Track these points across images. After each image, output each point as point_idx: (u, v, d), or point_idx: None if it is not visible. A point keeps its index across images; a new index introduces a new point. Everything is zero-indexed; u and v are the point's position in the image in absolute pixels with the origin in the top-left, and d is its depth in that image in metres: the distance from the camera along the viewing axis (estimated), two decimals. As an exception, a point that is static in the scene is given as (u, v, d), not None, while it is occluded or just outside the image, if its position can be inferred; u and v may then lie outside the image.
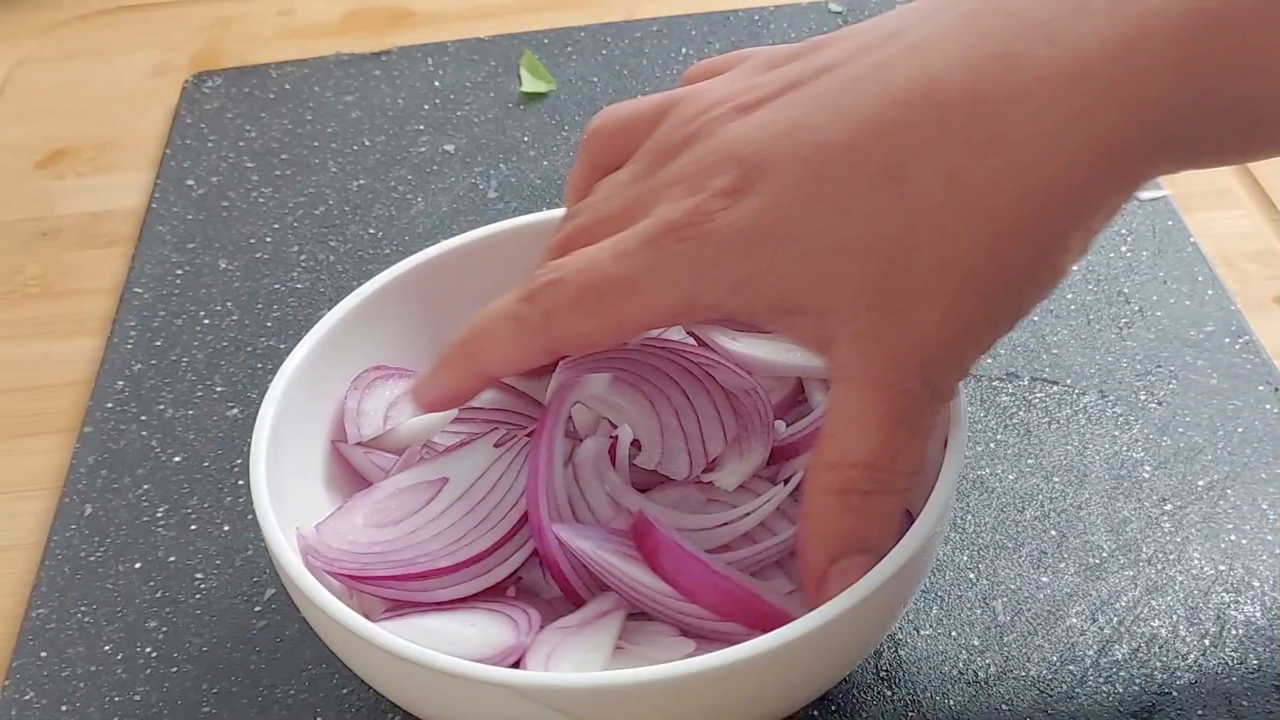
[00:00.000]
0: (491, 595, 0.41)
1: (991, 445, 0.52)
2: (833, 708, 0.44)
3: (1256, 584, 0.47)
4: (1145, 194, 0.62)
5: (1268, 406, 0.53)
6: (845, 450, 0.35)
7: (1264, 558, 0.47)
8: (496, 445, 0.42)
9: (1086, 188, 0.33)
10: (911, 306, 0.34)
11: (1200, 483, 0.50)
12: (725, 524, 0.41)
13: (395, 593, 0.40)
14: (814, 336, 0.36)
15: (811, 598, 0.36)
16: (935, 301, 0.34)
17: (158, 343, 0.59)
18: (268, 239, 0.64)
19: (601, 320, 0.37)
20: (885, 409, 0.35)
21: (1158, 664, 0.44)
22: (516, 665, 0.38)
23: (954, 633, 0.46)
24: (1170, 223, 0.61)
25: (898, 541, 0.37)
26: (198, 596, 0.49)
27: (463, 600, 0.40)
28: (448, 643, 0.38)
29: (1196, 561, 0.47)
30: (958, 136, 0.33)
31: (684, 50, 0.74)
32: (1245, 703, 0.43)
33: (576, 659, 0.38)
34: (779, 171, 0.35)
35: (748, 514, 0.41)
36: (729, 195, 0.35)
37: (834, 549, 0.36)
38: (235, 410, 0.56)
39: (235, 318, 0.60)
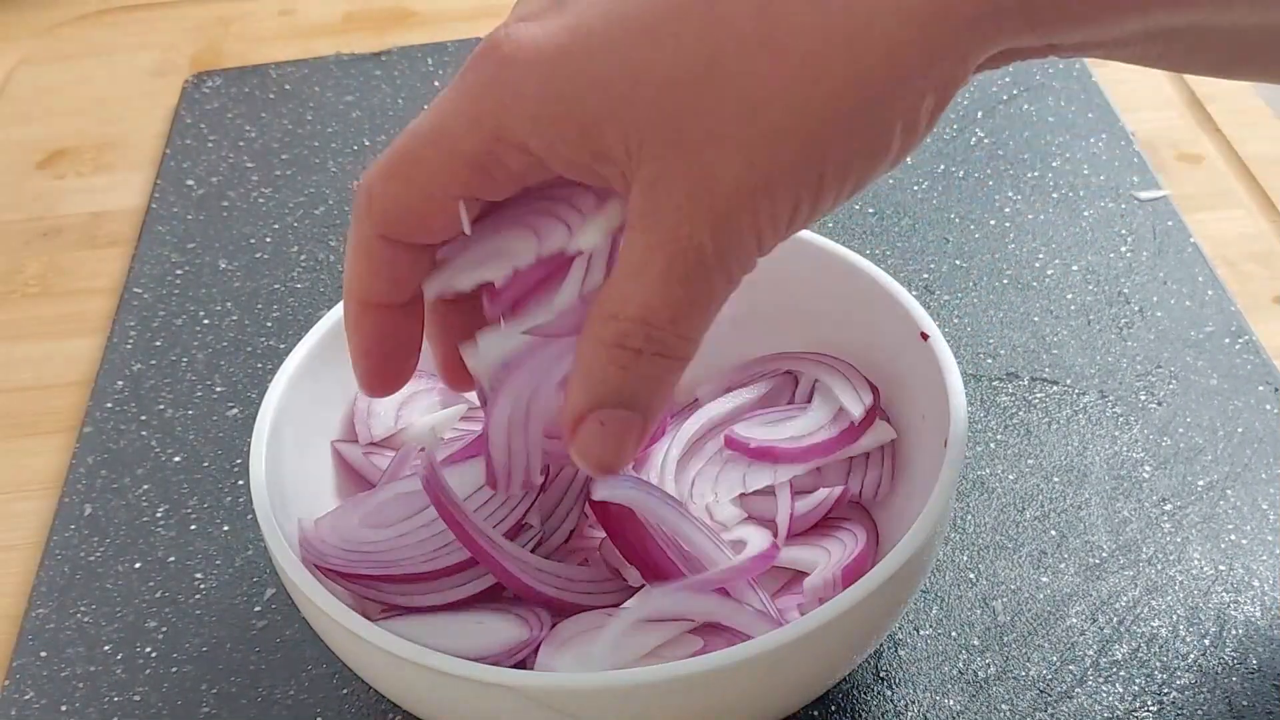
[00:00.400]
0: (486, 599, 0.41)
1: (991, 445, 0.52)
2: (833, 708, 0.44)
3: (1256, 584, 0.47)
4: (1145, 194, 0.63)
5: (1268, 406, 0.53)
6: (623, 301, 0.33)
7: (1264, 558, 0.47)
8: None
9: (909, 44, 0.30)
10: (707, 148, 0.31)
11: (1200, 483, 0.50)
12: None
13: (375, 593, 0.40)
14: (619, 187, 0.33)
15: (567, 438, 0.35)
16: (732, 147, 0.31)
17: (158, 343, 0.59)
18: (268, 239, 0.64)
19: (411, 182, 0.34)
20: (667, 262, 0.32)
21: (1158, 664, 0.44)
22: (524, 664, 0.38)
23: (954, 633, 0.46)
24: (1170, 223, 0.61)
25: (666, 406, 0.35)
26: (198, 596, 0.49)
27: (462, 602, 0.40)
28: (454, 640, 0.38)
29: (1196, 561, 0.47)
30: None
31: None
32: (1245, 703, 0.43)
33: (580, 659, 0.38)
34: None
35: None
36: (533, 16, 0.33)
37: (596, 397, 0.34)
38: (235, 410, 0.56)
39: (235, 318, 0.60)
